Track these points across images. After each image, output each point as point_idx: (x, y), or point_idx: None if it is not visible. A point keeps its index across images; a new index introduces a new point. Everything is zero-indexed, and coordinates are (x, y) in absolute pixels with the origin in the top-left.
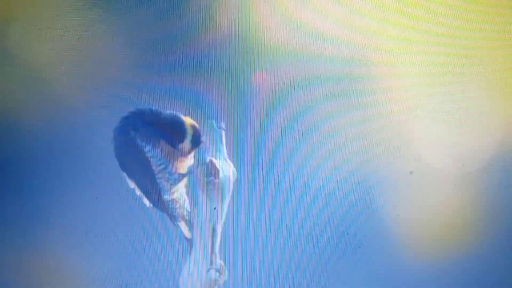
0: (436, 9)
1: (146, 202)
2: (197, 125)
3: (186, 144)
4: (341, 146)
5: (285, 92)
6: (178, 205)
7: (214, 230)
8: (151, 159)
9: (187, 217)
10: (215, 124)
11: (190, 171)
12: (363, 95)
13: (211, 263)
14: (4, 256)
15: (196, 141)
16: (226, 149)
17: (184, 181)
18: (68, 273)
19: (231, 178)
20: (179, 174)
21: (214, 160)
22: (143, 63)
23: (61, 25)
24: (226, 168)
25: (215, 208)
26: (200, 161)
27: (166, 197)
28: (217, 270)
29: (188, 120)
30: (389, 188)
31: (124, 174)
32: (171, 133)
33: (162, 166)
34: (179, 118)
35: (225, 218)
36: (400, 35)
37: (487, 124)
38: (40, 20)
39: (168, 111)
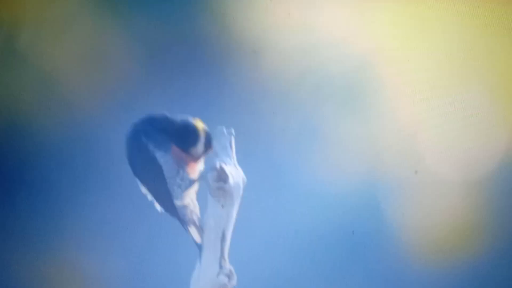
0: (442, 17)
1: (158, 207)
2: (207, 129)
3: (200, 147)
4: (348, 148)
5: (293, 94)
6: (188, 210)
7: (223, 235)
8: (163, 165)
9: (197, 222)
10: (224, 130)
11: (201, 177)
12: (370, 98)
13: (221, 267)
14: (18, 257)
15: (208, 145)
16: (236, 154)
17: (195, 186)
18: (81, 275)
19: (241, 183)
20: (191, 179)
21: (224, 165)
22: (153, 68)
23: (73, 30)
24: (235, 173)
25: (222, 206)
26: (210, 166)
27: (177, 202)
28: (227, 275)
29: (199, 124)
30: (394, 187)
31: (137, 180)
32: (183, 137)
33: (174, 172)
34: (191, 122)
35: (235, 223)
36: (407, 41)
37: (490, 126)
38: (53, 26)
39: (179, 116)
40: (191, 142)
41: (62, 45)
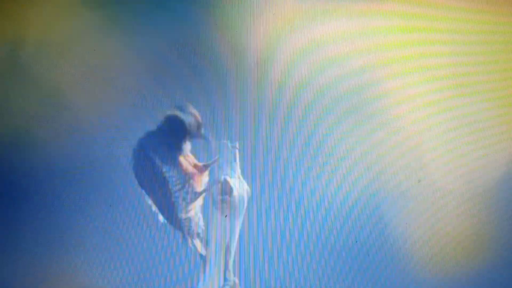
0: (447, 30)
1: (161, 218)
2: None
3: (187, 136)
4: (351, 157)
5: (296, 107)
6: (193, 223)
7: (228, 247)
8: (169, 179)
9: (201, 235)
10: (229, 144)
11: (205, 190)
12: (374, 108)
13: (225, 279)
14: (22, 267)
15: (193, 128)
16: (240, 168)
17: (200, 199)
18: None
19: (245, 196)
20: (195, 193)
21: (228, 178)
22: (158, 82)
23: (78, 46)
24: (240, 186)
25: (225, 216)
26: (214, 179)
27: (182, 215)
28: (231, 287)
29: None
30: (397, 196)
31: (142, 191)
32: (175, 133)
33: (179, 186)
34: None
35: (239, 235)
36: (411, 54)
37: (495, 137)
38: (58, 41)
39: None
40: (181, 132)
41: (67, 61)
